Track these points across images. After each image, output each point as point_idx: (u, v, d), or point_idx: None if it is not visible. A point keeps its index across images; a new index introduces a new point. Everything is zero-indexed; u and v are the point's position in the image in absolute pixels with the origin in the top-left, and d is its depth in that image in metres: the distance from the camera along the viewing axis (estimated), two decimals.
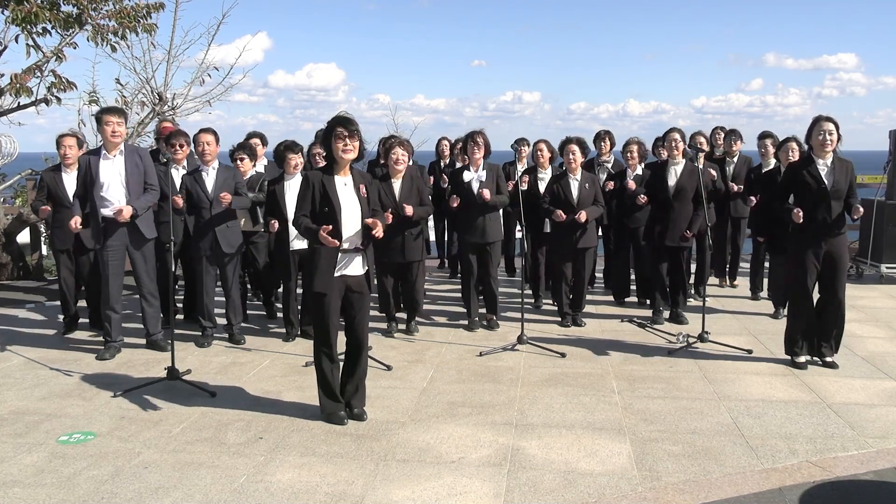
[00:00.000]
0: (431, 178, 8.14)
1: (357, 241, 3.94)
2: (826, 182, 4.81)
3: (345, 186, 3.93)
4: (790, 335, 5.12)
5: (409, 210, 5.63)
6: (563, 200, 6.09)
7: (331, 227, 3.77)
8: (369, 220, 3.89)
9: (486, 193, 5.83)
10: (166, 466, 3.50)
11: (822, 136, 4.83)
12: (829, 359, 5.06)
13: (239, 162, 6.11)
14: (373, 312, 5.72)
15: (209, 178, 5.57)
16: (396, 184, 5.76)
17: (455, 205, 5.92)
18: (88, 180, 5.20)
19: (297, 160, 5.70)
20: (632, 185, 6.59)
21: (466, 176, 5.95)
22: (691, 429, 3.96)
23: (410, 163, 6.59)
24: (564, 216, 5.99)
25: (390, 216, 5.43)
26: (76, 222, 5.17)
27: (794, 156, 6.04)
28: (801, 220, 4.80)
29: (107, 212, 5.21)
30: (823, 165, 4.86)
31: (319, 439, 3.82)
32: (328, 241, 3.75)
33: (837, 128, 4.84)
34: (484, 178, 5.94)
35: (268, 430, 3.94)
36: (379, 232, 3.87)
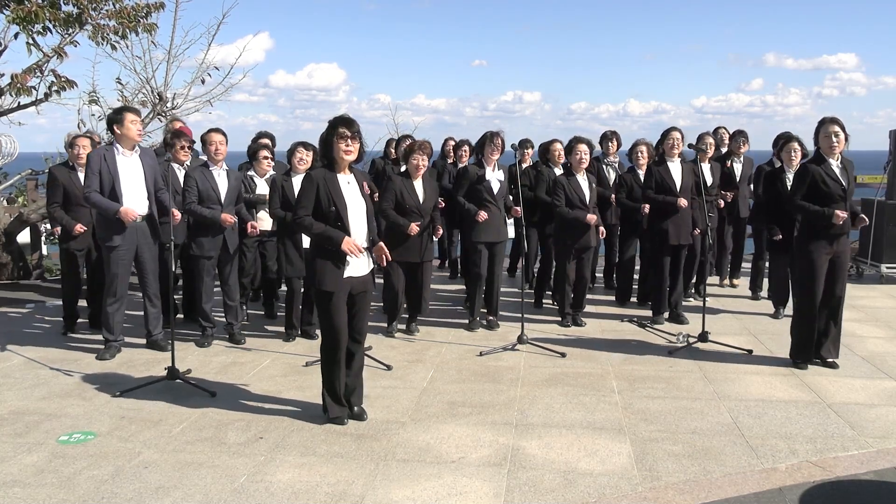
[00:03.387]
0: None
1: (363, 240, 3.93)
2: (843, 182, 4.83)
3: (348, 185, 3.93)
4: (799, 344, 5.06)
5: (439, 232, 5.87)
6: (574, 200, 6.08)
7: (358, 245, 3.84)
8: (378, 249, 4.06)
9: (519, 210, 5.89)
10: (166, 466, 3.50)
11: (830, 138, 4.84)
12: (829, 359, 5.05)
13: (264, 161, 6.13)
14: (372, 312, 5.72)
15: (221, 178, 5.56)
16: (418, 184, 5.78)
17: (482, 219, 5.89)
18: (106, 177, 5.18)
19: (301, 155, 5.69)
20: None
21: (488, 174, 5.98)
22: (691, 429, 3.96)
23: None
24: (595, 218, 6.09)
25: (416, 227, 5.61)
26: (129, 213, 5.12)
27: (797, 156, 6.04)
28: (841, 220, 4.75)
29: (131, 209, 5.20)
30: (836, 166, 4.87)
31: (319, 439, 3.82)
32: (355, 251, 3.80)
33: (844, 128, 4.86)
34: (502, 178, 6.04)
35: (268, 430, 3.94)
36: (382, 260, 4.09)
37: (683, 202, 6.03)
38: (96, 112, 8.94)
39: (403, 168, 6.05)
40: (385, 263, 4.14)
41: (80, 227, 5.86)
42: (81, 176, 5.99)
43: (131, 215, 5.16)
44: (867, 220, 4.84)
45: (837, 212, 4.75)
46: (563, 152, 6.81)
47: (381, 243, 4.09)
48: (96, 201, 5.16)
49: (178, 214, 5.42)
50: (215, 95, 9.53)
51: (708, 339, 5.53)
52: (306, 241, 5.43)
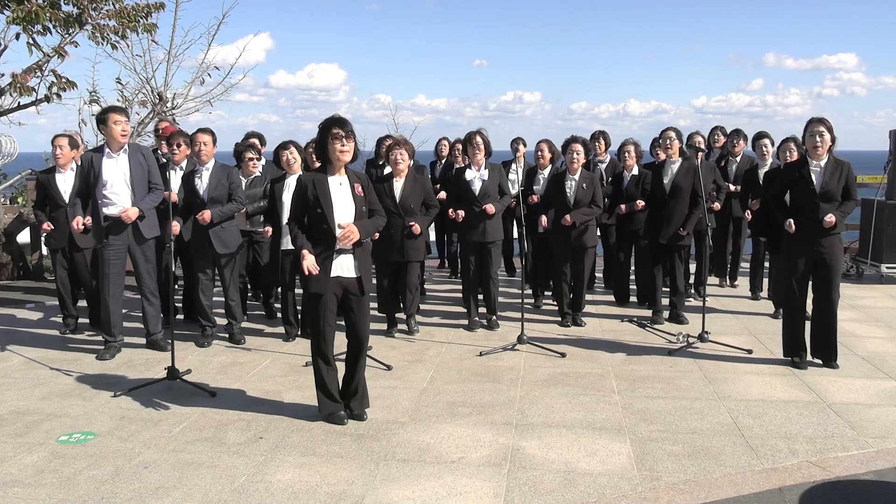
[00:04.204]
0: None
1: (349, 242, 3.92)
2: (815, 184, 4.83)
3: (339, 186, 3.92)
4: (787, 339, 5.12)
5: (416, 228, 5.71)
6: (558, 200, 6.10)
7: (313, 258, 3.80)
8: (343, 225, 3.82)
9: (491, 209, 5.85)
10: (166, 466, 3.50)
11: (813, 138, 4.86)
12: (825, 360, 5.05)
13: (250, 163, 6.13)
14: (373, 313, 5.73)
15: (202, 179, 5.57)
16: (398, 183, 5.76)
17: (461, 220, 5.90)
18: (91, 178, 5.20)
19: (287, 156, 5.71)
20: (623, 208, 6.61)
21: (468, 175, 5.95)
22: (691, 429, 3.96)
23: (411, 163, 6.58)
24: (545, 224, 6.12)
25: (418, 227, 5.63)
26: (78, 223, 5.16)
27: (793, 156, 6.05)
28: (793, 230, 4.85)
29: (109, 210, 5.21)
30: (816, 167, 4.88)
31: (319, 439, 3.82)
32: (308, 269, 3.78)
33: (830, 129, 4.85)
34: (486, 178, 5.95)
35: (268, 430, 3.94)
36: (349, 239, 3.83)
37: (640, 204, 6.35)
38: (96, 112, 8.95)
39: (388, 170, 6.03)
40: (347, 241, 3.84)
41: (46, 226, 6.01)
42: (58, 177, 6.05)
43: (73, 226, 5.21)
44: (832, 222, 4.81)
45: (788, 220, 4.88)
46: (546, 152, 6.75)
47: (351, 225, 3.84)
48: (71, 204, 5.35)
49: (177, 227, 5.43)
50: (215, 95, 9.57)
51: (708, 339, 5.53)
52: (287, 245, 5.48)
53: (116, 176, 5.23)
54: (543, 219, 6.11)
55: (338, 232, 3.84)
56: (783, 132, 6.82)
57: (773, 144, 6.85)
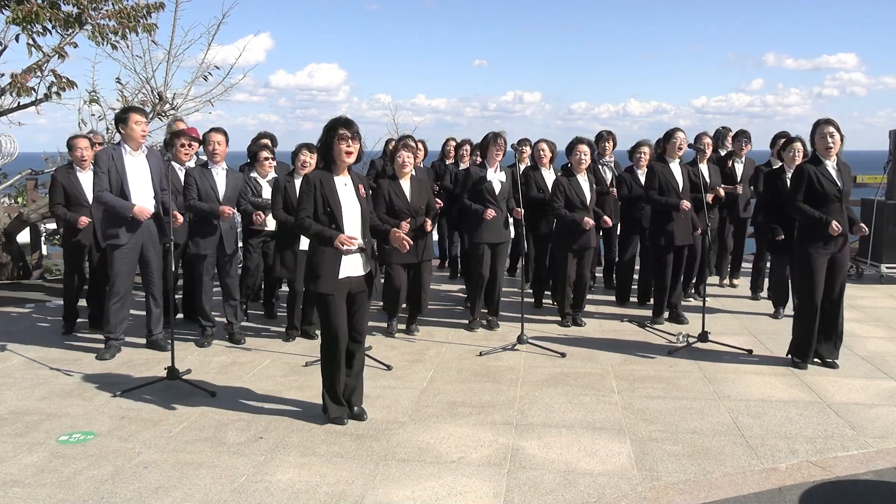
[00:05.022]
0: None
1: (359, 241, 3.93)
2: (839, 184, 4.83)
3: (345, 187, 3.93)
4: (800, 343, 5.05)
5: (429, 226, 5.75)
6: (575, 201, 6.08)
7: (353, 238, 3.80)
8: (398, 234, 4.02)
9: (520, 212, 5.92)
10: (166, 466, 3.50)
11: (825, 139, 4.85)
12: (829, 359, 5.05)
13: (266, 162, 6.13)
14: (372, 312, 5.72)
15: (219, 178, 5.58)
16: (405, 184, 5.78)
17: (490, 217, 5.87)
18: (115, 175, 5.20)
19: (305, 157, 5.66)
20: (607, 221, 6.61)
21: (489, 175, 5.98)
22: (691, 429, 3.96)
23: (421, 164, 6.62)
24: (593, 222, 6.06)
25: (406, 225, 5.50)
26: (144, 211, 5.18)
27: (799, 157, 6.03)
28: (837, 233, 4.75)
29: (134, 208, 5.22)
30: (832, 167, 4.88)
31: (319, 439, 3.82)
32: (348, 243, 3.76)
33: (839, 129, 4.87)
34: (504, 179, 6.03)
35: (268, 430, 3.94)
36: (406, 241, 4.01)
37: (686, 204, 5.97)
38: (96, 112, 8.95)
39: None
40: (406, 248, 4.05)
41: (84, 220, 5.90)
42: (80, 176, 6.04)
43: (146, 213, 5.20)
44: (866, 229, 4.82)
45: (833, 224, 4.74)
46: (547, 151, 6.75)
47: (396, 230, 4.07)
48: (108, 200, 5.19)
49: (179, 218, 5.43)
50: (215, 95, 9.54)
51: (708, 339, 5.52)
52: (303, 244, 5.46)
53: (138, 175, 5.28)
54: (589, 221, 6.02)
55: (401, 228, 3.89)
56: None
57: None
